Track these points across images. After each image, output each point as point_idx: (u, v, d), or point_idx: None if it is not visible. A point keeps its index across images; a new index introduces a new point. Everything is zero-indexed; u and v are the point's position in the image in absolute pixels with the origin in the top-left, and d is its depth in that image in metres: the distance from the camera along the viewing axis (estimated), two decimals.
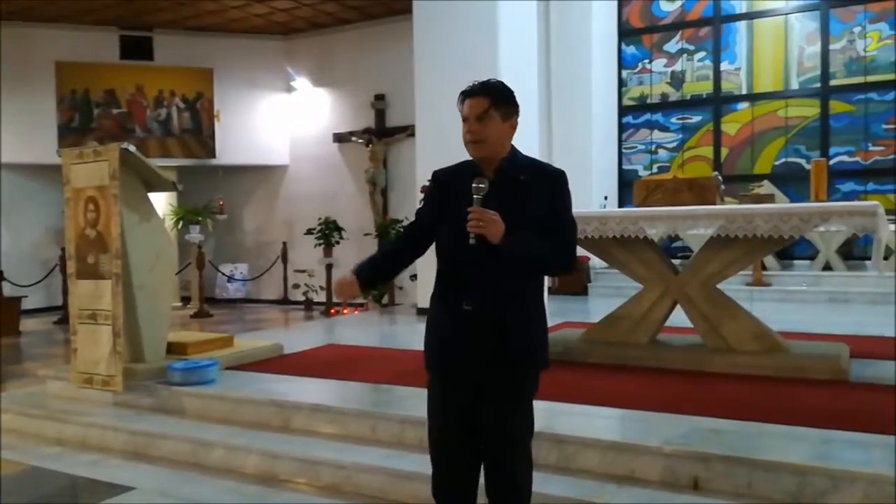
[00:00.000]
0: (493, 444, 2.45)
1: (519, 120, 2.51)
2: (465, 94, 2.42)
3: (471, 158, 2.49)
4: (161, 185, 5.34)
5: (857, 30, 10.03)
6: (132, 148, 4.90)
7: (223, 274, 12.44)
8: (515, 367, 2.42)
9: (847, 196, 9.91)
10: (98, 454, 4.41)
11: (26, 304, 10.27)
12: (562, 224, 2.44)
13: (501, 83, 2.44)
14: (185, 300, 12.07)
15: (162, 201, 11.16)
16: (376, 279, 2.66)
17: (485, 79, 2.46)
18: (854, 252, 9.71)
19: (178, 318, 10.23)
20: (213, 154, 12.08)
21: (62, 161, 5.14)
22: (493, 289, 2.38)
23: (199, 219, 11.75)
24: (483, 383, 2.43)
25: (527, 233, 2.34)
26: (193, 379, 4.78)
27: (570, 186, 2.58)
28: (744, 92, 10.77)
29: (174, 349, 5.27)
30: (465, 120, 2.42)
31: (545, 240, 2.38)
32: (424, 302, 8.06)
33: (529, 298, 2.46)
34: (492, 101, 2.38)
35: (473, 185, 2.34)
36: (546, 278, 2.73)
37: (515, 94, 2.46)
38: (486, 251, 2.30)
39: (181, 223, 11.65)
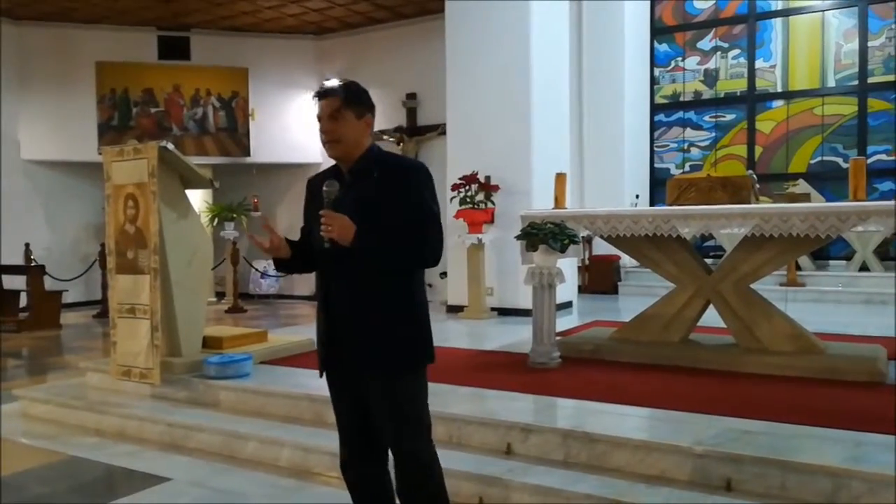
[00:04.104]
0: (392, 452, 2.49)
1: (373, 118, 2.48)
2: (318, 96, 2.42)
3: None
4: (198, 183, 5.43)
5: None
6: (171, 146, 4.99)
7: (257, 270, 12.60)
8: (385, 368, 2.39)
9: (885, 195, 9.72)
10: (135, 445, 4.51)
11: (67, 298, 10.47)
12: (417, 217, 2.35)
13: (353, 83, 2.45)
14: (220, 295, 12.25)
15: (198, 198, 11.34)
16: (294, 263, 2.56)
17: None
18: (891, 252, 9.52)
19: (213, 313, 10.39)
20: (247, 152, 12.24)
21: (103, 159, 5.26)
22: (353, 290, 2.37)
23: (234, 216, 11.94)
24: (360, 385, 2.45)
25: (381, 230, 2.29)
26: (228, 373, 4.86)
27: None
28: (779, 90, 10.62)
29: (210, 343, 5.37)
30: (319, 120, 2.40)
31: (402, 235, 2.32)
32: (454, 299, 8.16)
33: (395, 297, 2.40)
34: (343, 100, 2.38)
35: (324, 188, 2.32)
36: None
37: (369, 92, 2.46)
38: (342, 253, 2.28)
39: (216, 220, 11.84)
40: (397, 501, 2.56)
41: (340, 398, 2.56)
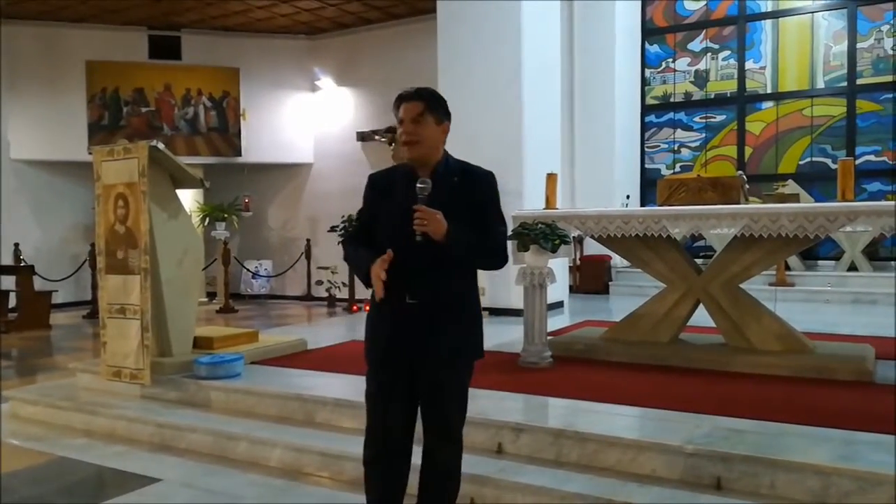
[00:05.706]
0: (430, 434, 2.62)
1: (450, 126, 2.62)
2: (402, 99, 2.54)
3: (401, 163, 2.64)
4: (189, 183, 5.41)
5: (885, 28, 9.89)
6: (161, 146, 4.97)
7: (248, 270, 12.56)
8: (455, 361, 2.55)
9: (874, 196, 9.79)
10: (125, 446, 4.49)
11: (56, 299, 10.39)
12: (494, 222, 2.57)
13: (435, 91, 2.60)
14: (211, 296, 12.21)
15: (189, 198, 11.30)
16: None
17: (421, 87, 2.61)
18: (880, 252, 9.60)
19: (204, 313, 10.33)
20: (239, 152, 12.20)
21: (93, 158, 5.23)
22: (435, 285, 2.48)
23: (225, 216, 11.91)
24: (423, 375, 2.54)
25: (465, 231, 2.44)
26: (219, 373, 4.85)
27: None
28: (768, 91, 10.67)
29: (200, 343, 5.35)
30: (400, 122, 2.53)
31: (480, 238, 2.50)
32: None
33: (468, 294, 2.60)
34: (426, 105, 2.51)
35: (418, 185, 2.43)
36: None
37: (448, 102, 2.60)
38: (428, 248, 2.39)
39: (207, 220, 11.80)
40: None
41: (391, 394, 2.59)
